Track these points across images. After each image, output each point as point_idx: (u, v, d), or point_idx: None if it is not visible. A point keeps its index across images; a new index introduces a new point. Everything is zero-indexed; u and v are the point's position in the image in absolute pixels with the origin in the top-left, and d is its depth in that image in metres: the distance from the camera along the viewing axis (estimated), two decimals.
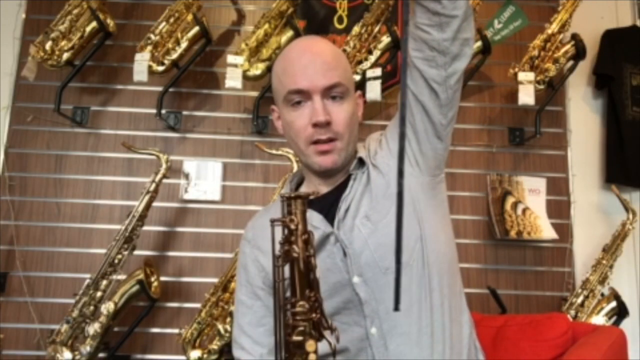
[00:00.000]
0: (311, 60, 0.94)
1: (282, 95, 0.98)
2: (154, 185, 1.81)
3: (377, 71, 1.92)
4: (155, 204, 1.84)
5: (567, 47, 2.01)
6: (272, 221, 0.71)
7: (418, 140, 0.97)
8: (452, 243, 1.04)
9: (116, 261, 1.76)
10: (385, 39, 1.95)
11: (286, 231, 0.69)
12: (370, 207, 0.96)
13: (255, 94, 2.06)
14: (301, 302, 0.68)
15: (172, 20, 1.95)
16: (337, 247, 0.95)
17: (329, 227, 0.96)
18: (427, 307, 0.93)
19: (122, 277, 1.80)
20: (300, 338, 0.67)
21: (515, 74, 1.98)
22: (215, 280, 1.86)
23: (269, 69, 1.96)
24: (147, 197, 1.80)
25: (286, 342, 0.69)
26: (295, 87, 0.94)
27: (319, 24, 2.15)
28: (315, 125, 0.94)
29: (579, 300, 1.93)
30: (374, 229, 0.94)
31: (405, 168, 0.98)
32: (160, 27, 1.95)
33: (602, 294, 1.95)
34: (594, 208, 2.15)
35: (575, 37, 2.02)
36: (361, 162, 1.02)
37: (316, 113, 0.93)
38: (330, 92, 0.95)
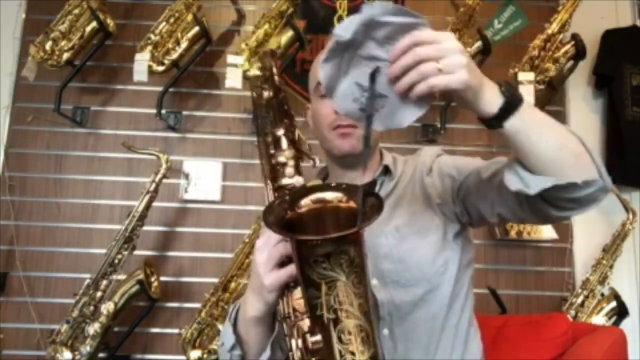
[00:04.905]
0: None
1: (313, 85, 1.03)
2: (154, 185, 1.81)
3: None
4: (155, 204, 1.84)
5: (567, 47, 2.01)
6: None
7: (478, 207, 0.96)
8: (472, 283, 1.06)
9: (116, 261, 1.76)
10: None
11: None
12: (404, 221, 0.99)
13: None
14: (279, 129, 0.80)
15: (172, 20, 1.95)
16: None
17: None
18: (444, 325, 0.96)
19: (122, 277, 1.80)
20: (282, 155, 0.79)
21: (515, 74, 1.98)
22: (215, 280, 1.86)
23: None
24: (147, 197, 1.80)
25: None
26: None
27: (319, 24, 2.15)
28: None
29: (579, 300, 1.93)
30: (401, 241, 0.97)
31: (449, 205, 0.99)
32: (160, 27, 1.95)
33: (602, 294, 1.95)
34: (594, 208, 2.15)
35: (575, 37, 2.02)
36: (386, 170, 1.06)
37: None
38: None
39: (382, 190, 1.04)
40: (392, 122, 0.71)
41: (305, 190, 0.72)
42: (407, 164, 1.09)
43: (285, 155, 0.79)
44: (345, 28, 0.68)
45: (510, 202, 0.86)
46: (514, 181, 0.75)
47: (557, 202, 0.77)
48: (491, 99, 0.69)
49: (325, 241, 0.63)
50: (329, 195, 0.70)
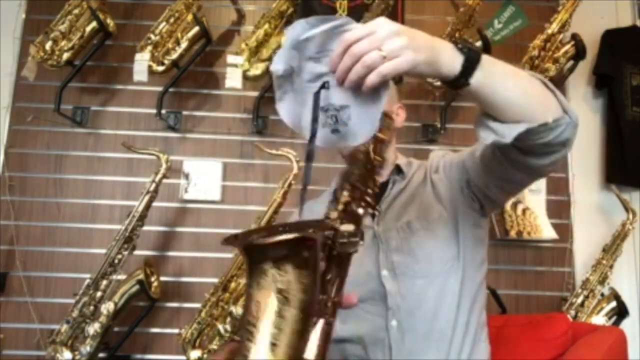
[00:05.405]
0: None
1: None
2: (154, 185, 1.81)
3: None
4: (155, 204, 1.84)
5: (567, 47, 2.01)
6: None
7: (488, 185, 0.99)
8: (485, 283, 1.07)
9: (116, 261, 1.76)
10: None
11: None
12: (415, 217, 1.03)
13: (255, 94, 2.06)
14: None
15: (172, 20, 1.95)
16: (374, 242, 1.02)
17: (370, 221, 1.04)
18: (455, 324, 0.97)
19: (122, 277, 1.80)
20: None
21: None
22: (215, 280, 1.86)
23: (269, 69, 1.96)
24: (147, 197, 1.80)
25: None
26: None
27: None
28: None
29: (579, 300, 1.93)
30: (411, 235, 1.01)
31: (457, 196, 1.05)
32: (160, 27, 1.95)
33: (602, 294, 1.95)
34: (594, 208, 2.15)
35: (575, 37, 2.01)
36: (399, 170, 1.12)
37: None
38: None
39: (394, 188, 1.09)
40: (368, 126, 0.70)
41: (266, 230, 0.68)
42: (420, 166, 1.15)
43: (341, 200, 0.74)
44: (277, 62, 0.68)
45: (494, 165, 0.89)
46: (487, 135, 0.76)
47: (534, 149, 0.78)
48: (450, 60, 0.67)
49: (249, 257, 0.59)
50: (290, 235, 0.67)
